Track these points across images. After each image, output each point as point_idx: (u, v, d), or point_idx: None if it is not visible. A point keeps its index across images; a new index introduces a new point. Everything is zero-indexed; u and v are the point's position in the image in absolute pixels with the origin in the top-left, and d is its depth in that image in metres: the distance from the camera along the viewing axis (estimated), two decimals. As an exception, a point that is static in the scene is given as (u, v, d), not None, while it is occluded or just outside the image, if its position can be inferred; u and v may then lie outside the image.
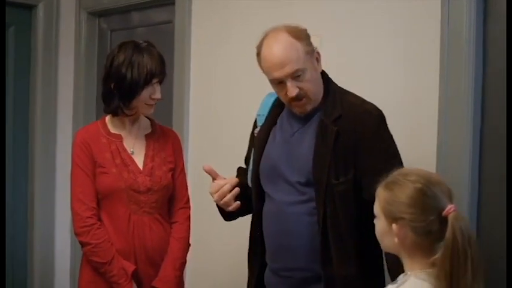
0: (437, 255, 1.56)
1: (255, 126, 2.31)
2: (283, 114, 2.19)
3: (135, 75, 2.24)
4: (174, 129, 3.30)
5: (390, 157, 1.99)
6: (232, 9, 3.21)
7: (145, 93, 2.29)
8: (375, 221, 1.70)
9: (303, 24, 2.83)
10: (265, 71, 2.07)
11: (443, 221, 1.57)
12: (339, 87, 2.14)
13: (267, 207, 2.16)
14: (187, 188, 2.51)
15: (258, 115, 2.30)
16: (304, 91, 2.02)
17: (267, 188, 2.17)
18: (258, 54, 2.09)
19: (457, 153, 2.29)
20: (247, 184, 2.24)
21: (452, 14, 2.33)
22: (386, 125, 2.07)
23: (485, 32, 2.32)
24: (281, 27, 2.07)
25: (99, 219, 2.32)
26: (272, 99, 2.25)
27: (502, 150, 2.21)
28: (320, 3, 2.80)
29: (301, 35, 2.06)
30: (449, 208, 1.58)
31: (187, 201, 2.50)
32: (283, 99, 2.09)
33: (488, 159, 2.31)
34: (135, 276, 2.32)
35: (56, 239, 4.13)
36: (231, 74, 3.22)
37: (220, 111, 3.29)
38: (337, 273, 1.98)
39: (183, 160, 2.53)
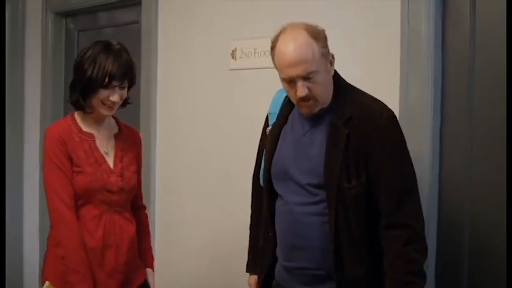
0: None
1: (266, 124, 2.28)
2: (294, 112, 2.15)
3: (94, 74, 2.25)
4: (142, 130, 3.31)
5: (399, 160, 1.96)
6: (198, 9, 3.22)
7: (103, 94, 2.28)
8: None
9: (264, 24, 2.87)
10: (278, 68, 2.02)
11: None
12: (349, 85, 2.10)
13: (279, 207, 2.14)
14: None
15: (270, 113, 2.27)
16: (313, 93, 1.98)
17: (278, 188, 2.14)
18: (273, 48, 2.04)
19: (418, 146, 2.32)
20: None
21: (411, 12, 2.37)
22: (397, 125, 2.02)
23: (444, 30, 2.36)
24: (300, 24, 2.01)
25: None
26: (283, 96, 2.21)
27: (462, 142, 2.30)
28: (283, 3, 2.82)
29: (319, 35, 2.00)
30: None
31: (142, 198, 2.61)
32: (292, 98, 2.05)
33: (448, 159, 2.36)
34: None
35: (25, 239, 4.12)
36: (197, 74, 3.23)
37: (187, 112, 3.30)
38: (348, 275, 1.98)
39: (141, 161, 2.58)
